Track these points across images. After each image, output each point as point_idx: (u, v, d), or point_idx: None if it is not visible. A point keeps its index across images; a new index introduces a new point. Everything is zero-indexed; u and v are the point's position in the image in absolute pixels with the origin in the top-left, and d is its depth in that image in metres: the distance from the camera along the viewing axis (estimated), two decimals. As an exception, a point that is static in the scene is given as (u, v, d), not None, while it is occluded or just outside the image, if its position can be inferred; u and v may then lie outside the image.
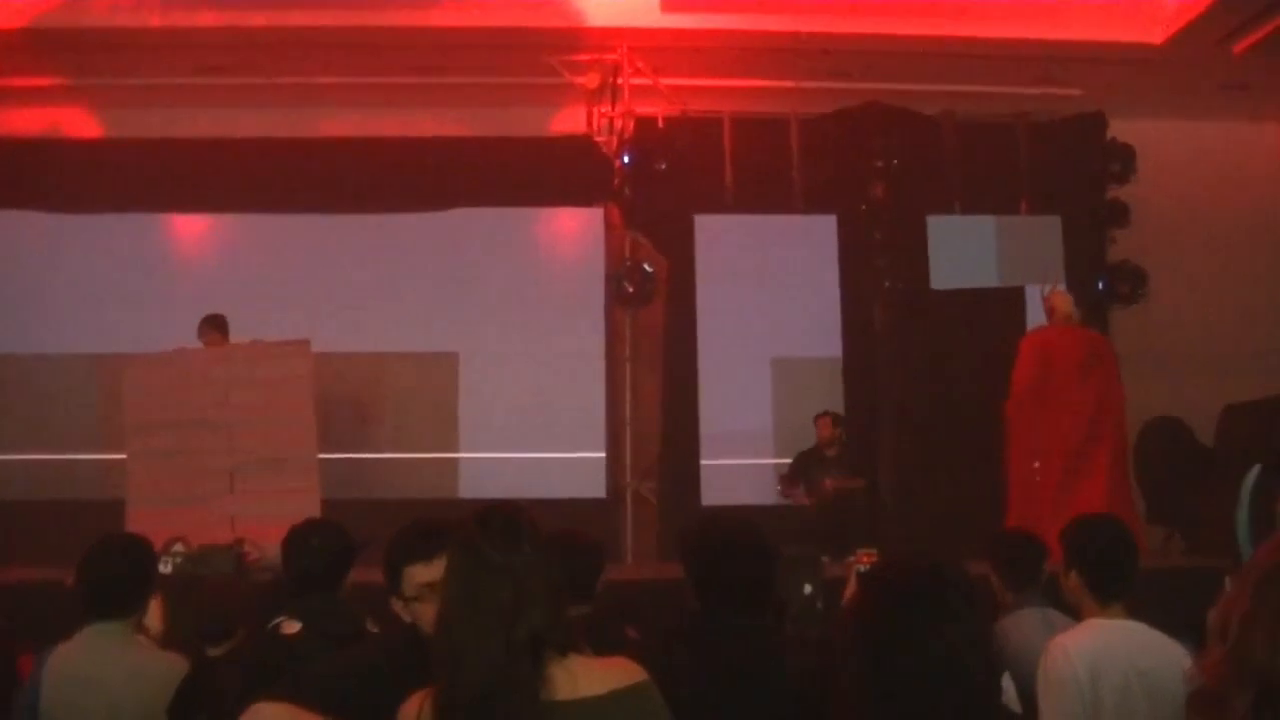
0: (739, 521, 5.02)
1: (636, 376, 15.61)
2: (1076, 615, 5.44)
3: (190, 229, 16.03)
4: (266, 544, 11.53)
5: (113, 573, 5.44)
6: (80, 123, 15.73)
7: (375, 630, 5.21)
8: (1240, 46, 13.99)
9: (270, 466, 12.90)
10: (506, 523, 3.58)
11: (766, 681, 4.60)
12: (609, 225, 15.83)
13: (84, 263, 15.54)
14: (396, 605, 4.34)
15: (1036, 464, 12.62)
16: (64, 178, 15.21)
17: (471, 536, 3.56)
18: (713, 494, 15.07)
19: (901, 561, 3.63)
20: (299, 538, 5.70)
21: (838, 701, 3.55)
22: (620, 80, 14.82)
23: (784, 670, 4.64)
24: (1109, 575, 5.27)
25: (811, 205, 15.39)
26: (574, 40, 14.41)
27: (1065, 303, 13.30)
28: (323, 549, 5.59)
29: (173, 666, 5.32)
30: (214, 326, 13.40)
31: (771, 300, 15.60)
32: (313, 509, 12.41)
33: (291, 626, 5.08)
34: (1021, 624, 6.22)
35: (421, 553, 4.24)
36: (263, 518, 12.31)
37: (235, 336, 13.41)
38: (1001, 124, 15.60)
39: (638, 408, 15.57)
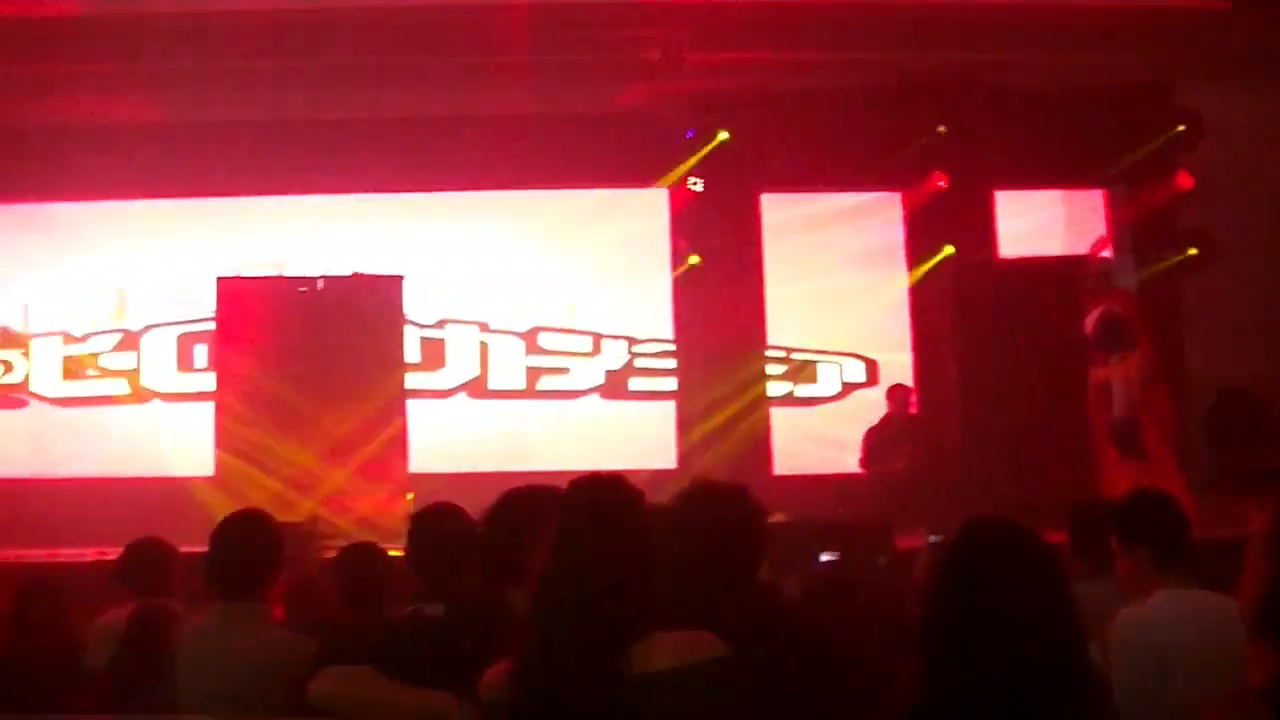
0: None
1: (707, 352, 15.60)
2: (1135, 590, 5.43)
3: (271, 210, 16.05)
4: (341, 520, 11.74)
5: (240, 554, 5.49)
6: (142, 108, 15.73)
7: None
8: (1310, 7, 13.88)
9: (357, 399, 13.16)
10: (607, 496, 3.65)
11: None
12: (673, 202, 15.81)
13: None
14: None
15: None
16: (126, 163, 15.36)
17: (571, 508, 3.64)
18: (785, 463, 15.20)
19: (1002, 521, 3.67)
20: (432, 520, 5.70)
21: (918, 669, 3.58)
22: (683, 55, 14.82)
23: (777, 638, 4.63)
24: (1176, 548, 5.29)
25: (876, 180, 15.40)
26: (637, 15, 14.43)
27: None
28: (456, 531, 5.60)
29: (301, 646, 5.39)
30: None
31: (836, 274, 15.61)
32: (403, 474, 12.74)
33: (434, 609, 5.10)
34: (1093, 593, 6.20)
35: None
36: (346, 492, 12.60)
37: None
38: (1066, 92, 15.52)
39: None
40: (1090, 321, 12.69)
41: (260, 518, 5.68)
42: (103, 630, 6.70)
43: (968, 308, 14.45)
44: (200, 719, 5.22)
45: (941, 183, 15.34)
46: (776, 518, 10.06)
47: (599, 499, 3.65)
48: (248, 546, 5.52)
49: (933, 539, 7.22)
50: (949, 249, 15.16)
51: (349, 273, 14.16)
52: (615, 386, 15.88)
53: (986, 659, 3.43)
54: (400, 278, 14.08)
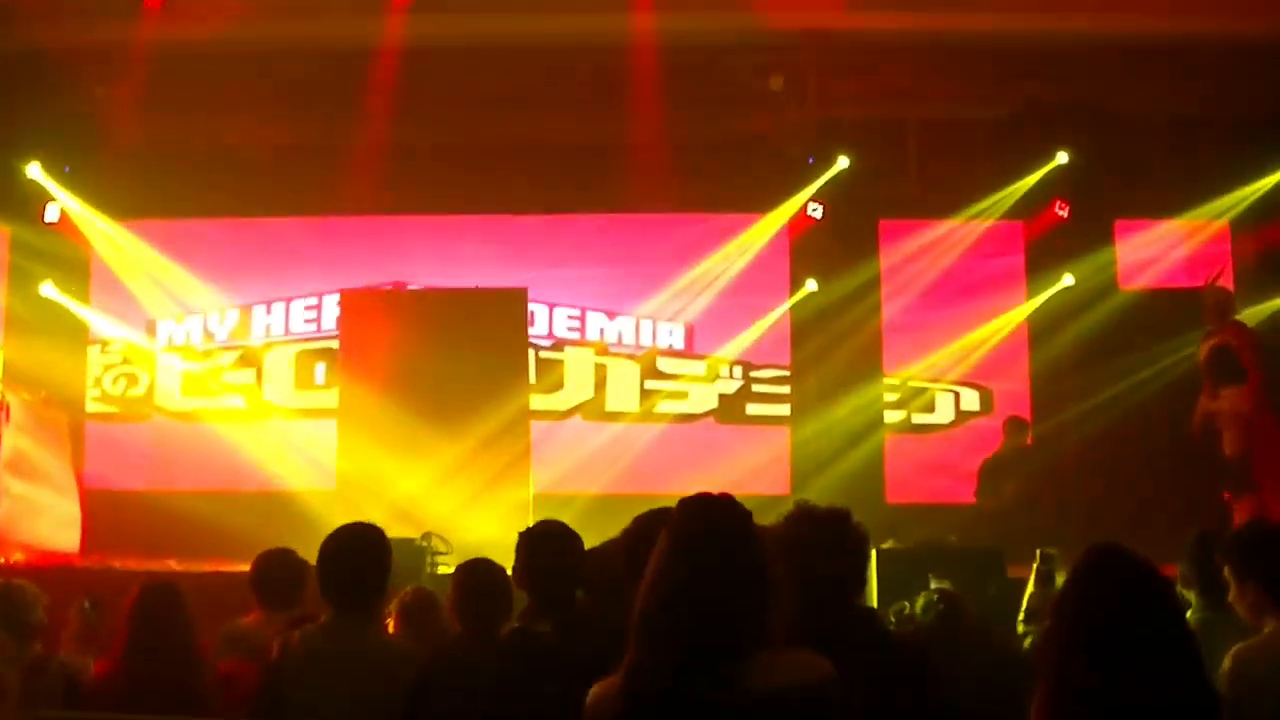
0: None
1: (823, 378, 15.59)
2: (1251, 625, 5.38)
3: (394, 230, 16.23)
4: (459, 537, 11.81)
5: (349, 565, 5.56)
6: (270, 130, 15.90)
7: None
8: None
9: (481, 416, 13.21)
10: (718, 513, 3.69)
11: None
12: (792, 228, 15.80)
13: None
14: None
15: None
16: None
17: (682, 524, 3.67)
18: (899, 491, 15.20)
19: (1121, 550, 3.67)
20: (539, 539, 5.78)
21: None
22: (806, 82, 14.85)
23: None
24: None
25: (997, 209, 15.32)
26: (761, 42, 14.47)
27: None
28: (564, 550, 5.69)
29: (409, 656, 5.48)
30: None
31: (954, 302, 15.56)
32: (525, 494, 12.86)
33: (542, 625, 5.16)
34: (1210, 626, 6.13)
35: None
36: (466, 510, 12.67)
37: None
38: (1190, 123, 15.32)
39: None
40: (1203, 352, 12.55)
41: (369, 530, 5.75)
42: (230, 637, 6.81)
43: (1086, 338, 14.40)
44: None
45: (1063, 212, 15.28)
46: (888, 545, 10.10)
47: (708, 516, 3.68)
48: (357, 558, 5.59)
49: (1042, 569, 7.18)
50: (1069, 278, 15.09)
51: (472, 286, 14.34)
52: (730, 411, 15.93)
53: (1106, 686, 3.43)
54: (524, 290, 14.16)
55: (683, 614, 3.50)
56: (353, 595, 5.54)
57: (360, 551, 5.63)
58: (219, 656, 6.59)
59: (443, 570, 10.76)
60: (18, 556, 11.91)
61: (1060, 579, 7.01)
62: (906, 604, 7.38)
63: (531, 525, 6.01)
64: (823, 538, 4.54)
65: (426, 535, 11.44)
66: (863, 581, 4.71)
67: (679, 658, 3.48)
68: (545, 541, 5.74)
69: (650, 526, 4.51)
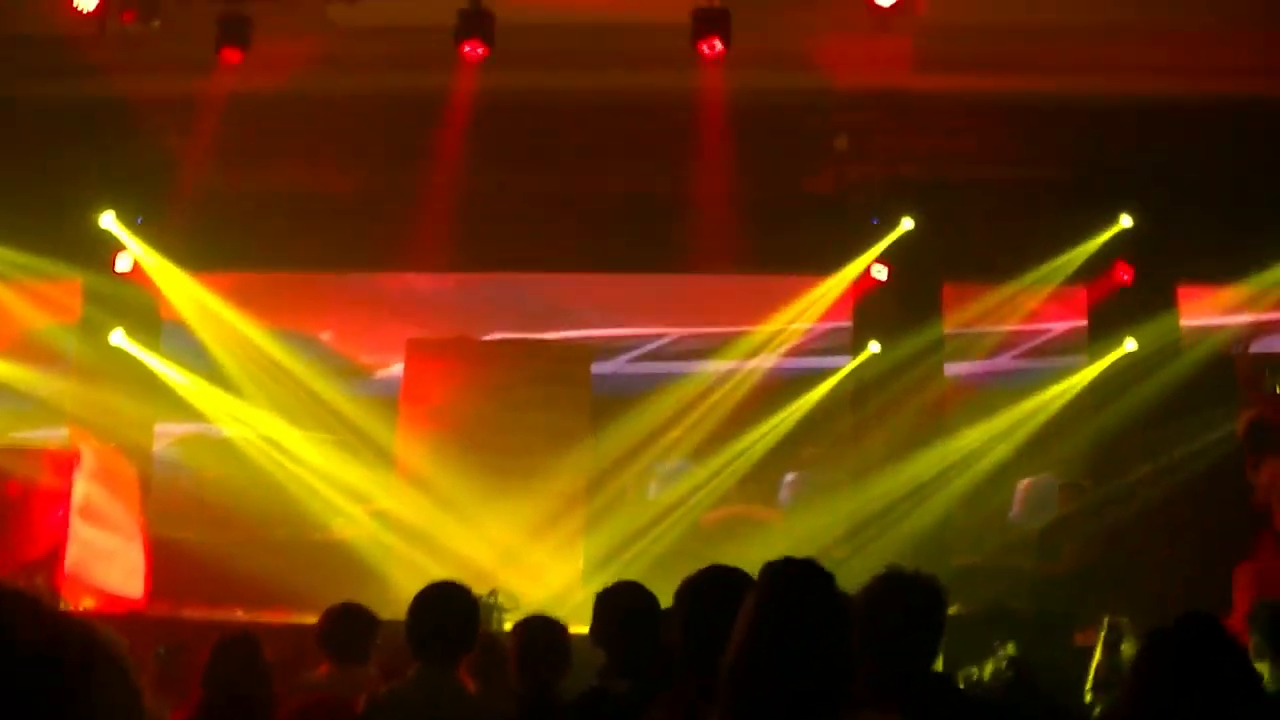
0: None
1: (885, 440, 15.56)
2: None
3: (458, 284, 16.34)
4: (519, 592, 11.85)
5: (441, 622, 5.70)
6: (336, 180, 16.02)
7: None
8: None
9: (541, 472, 13.27)
10: (805, 577, 3.73)
11: None
12: (856, 289, 15.80)
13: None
14: None
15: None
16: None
17: (770, 587, 3.72)
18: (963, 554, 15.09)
19: (1209, 619, 3.66)
20: (617, 598, 5.86)
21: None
22: (871, 142, 14.90)
23: None
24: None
25: (1061, 272, 15.28)
26: (827, 102, 14.52)
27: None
28: (643, 609, 5.75)
29: (496, 712, 5.56)
30: None
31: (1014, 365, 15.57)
32: (577, 548, 12.88)
33: (620, 684, 5.22)
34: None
35: None
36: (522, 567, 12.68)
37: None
38: (1254, 184, 15.21)
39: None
40: (1241, 423, 12.48)
41: (458, 588, 5.86)
42: (303, 690, 6.87)
43: (1148, 403, 14.36)
44: None
45: (1125, 276, 15.24)
46: (953, 610, 10.07)
47: (795, 580, 3.73)
48: (448, 615, 5.70)
49: (1110, 627, 7.19)
50: (1131, 343, 15.04)
51: (537, 338, 14.41)
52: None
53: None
54: (590, 347, 14.24)
55: (770, 675, 3.56)
56: (442, 651, 5.62)
57: (451, 608, 5.73)
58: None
59: (509, 627, 10.81)
60: (88, 602, 12.01)
61: (1126, 647, 7.02)
62: (975, 669, 7.39)
63: (609, 585, 6.07)
64: (911, 603, 4.61)
65: (493, 592, 11.50)
66: (939, 647, 4.76)
67: (766, 717, 3.53)
68: (622, 601, 5.80)
69: (701, 590, 4.59)
